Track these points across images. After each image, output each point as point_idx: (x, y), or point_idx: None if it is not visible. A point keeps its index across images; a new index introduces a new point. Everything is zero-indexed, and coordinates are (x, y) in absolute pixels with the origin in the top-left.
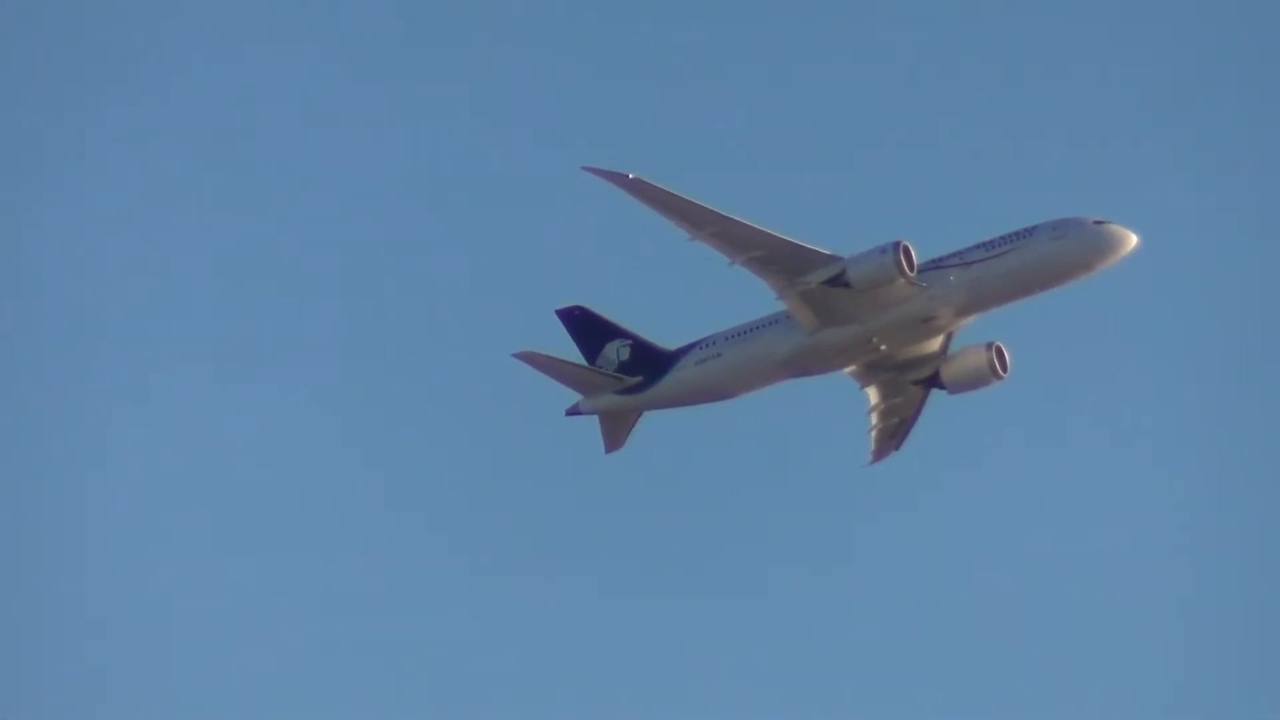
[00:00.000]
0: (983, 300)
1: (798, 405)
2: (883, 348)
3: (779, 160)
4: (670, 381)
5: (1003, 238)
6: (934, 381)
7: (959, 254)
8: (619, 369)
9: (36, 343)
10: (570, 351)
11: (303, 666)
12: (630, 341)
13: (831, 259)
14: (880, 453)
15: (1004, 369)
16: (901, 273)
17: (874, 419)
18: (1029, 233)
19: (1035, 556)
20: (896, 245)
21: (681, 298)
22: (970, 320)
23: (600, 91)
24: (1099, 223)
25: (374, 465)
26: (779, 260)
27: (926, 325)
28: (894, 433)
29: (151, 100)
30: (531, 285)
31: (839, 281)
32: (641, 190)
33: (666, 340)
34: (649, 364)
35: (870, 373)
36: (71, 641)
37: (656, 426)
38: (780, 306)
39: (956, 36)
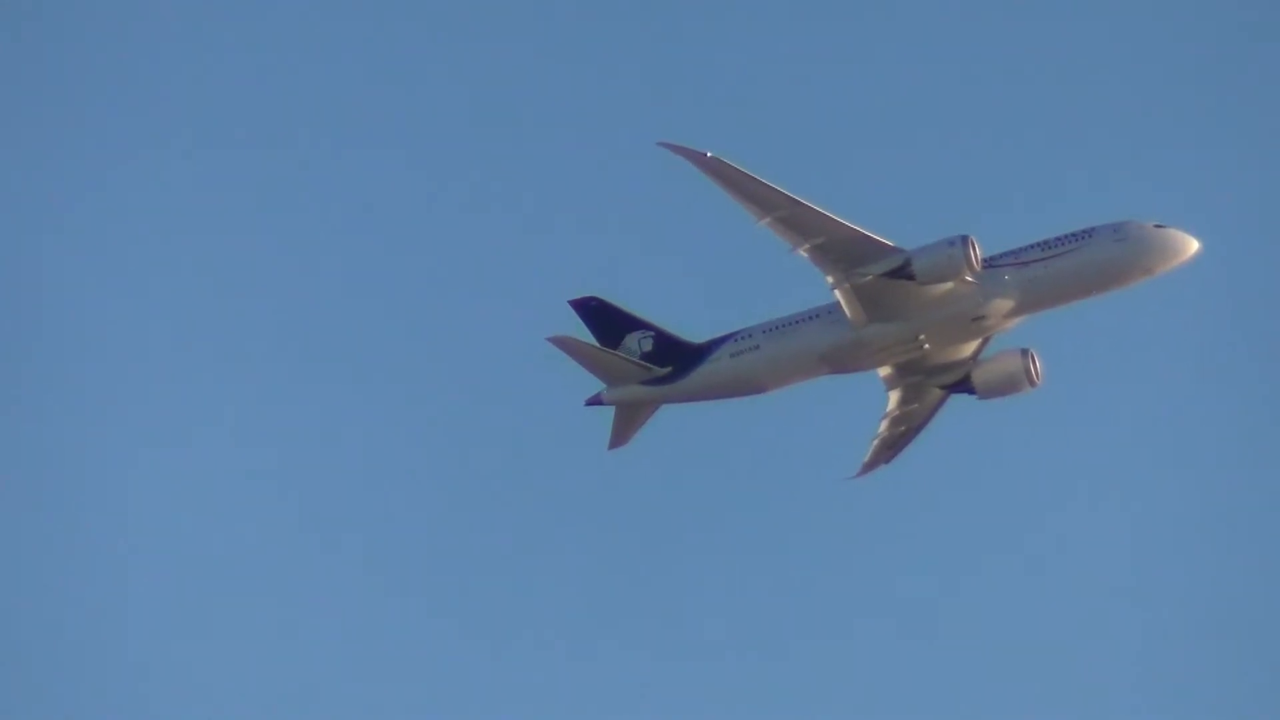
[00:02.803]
0: (1037, 301)
1: (804, 407)
2: (926, 346)
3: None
4: (703, 373)
5: (1059, 239)
6: (963, 386)
7: (1014, 253)
8: (642, 360)
9: (37, 344)
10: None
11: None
12: (652, 333)
13: (895, 250)
14: (871, 464)
15: (1037, 376)
16: (969, 266)
17: (883, 425)
18: (1088, 234)
19: (1034, 571)
20: (965, 239)
21: (696, 291)
22: (1018, 322)
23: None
24: (1159, 226)
25: (377, 455)
26: (841, 249)
27: (975, 324)
28: (895, 443)
29: (150, 100)
30: (541, 273)
31: (901, 274)
32: (718, 170)
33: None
34: (676, 355)
35: (900, 375)
36: (71, 643)
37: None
38: (809, 303)
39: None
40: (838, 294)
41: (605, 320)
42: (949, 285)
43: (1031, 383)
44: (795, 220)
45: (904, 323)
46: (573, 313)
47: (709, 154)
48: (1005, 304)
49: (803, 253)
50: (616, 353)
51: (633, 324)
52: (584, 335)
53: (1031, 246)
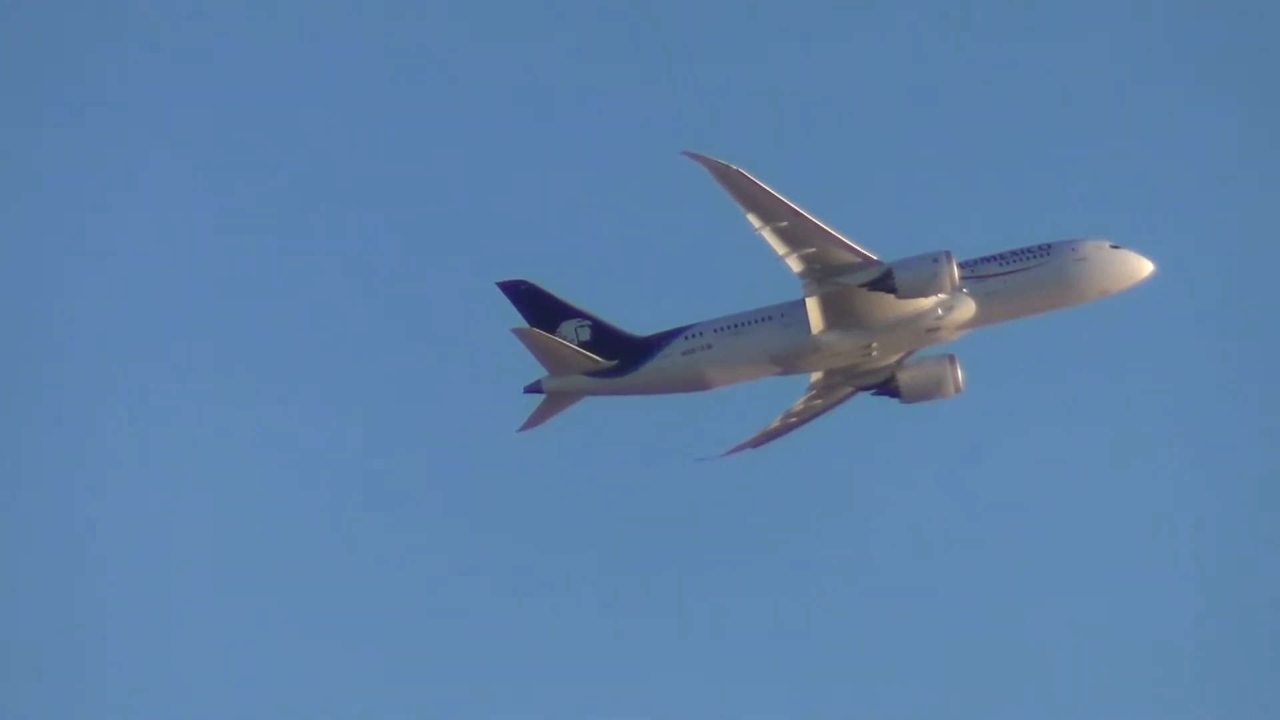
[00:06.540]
0: (993, 315)
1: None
2: (875, 354)
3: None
4: (652, 369)
5: (1016, 253)
6: (885, 389)
7: (969, 265)
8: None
9: (37, 346)
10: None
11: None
12: (589, 322)
13: (876, 262)
14: (740, 447)
15: (960, 383)
16: (950, 282)
17: (778, 418)
18: (1045, 250)
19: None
20: (948, 254)
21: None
22: (967, 333)
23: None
24: (1115, 247)
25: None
26: (826, 259)
27: (928, 335)
28: (776, 433)
29: (153, 101)
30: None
31: (880, 285)
32: (737, 182)
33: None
34: (617, 348)
35: (828, 375)
36: (70, 643)
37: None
38: (747, 304)
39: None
40: (809, 300)
41: (536, 306)
42: (921, 298)
43: (956, 389)
44: (792, 230)
45: (863, 330)
46: (501, 295)
47: (734, 167)
48: (962, 316)
49: (791, 260)
50: (572, 345)
51: (567, 312)
52: (512, 317)
53: (988, 259)
